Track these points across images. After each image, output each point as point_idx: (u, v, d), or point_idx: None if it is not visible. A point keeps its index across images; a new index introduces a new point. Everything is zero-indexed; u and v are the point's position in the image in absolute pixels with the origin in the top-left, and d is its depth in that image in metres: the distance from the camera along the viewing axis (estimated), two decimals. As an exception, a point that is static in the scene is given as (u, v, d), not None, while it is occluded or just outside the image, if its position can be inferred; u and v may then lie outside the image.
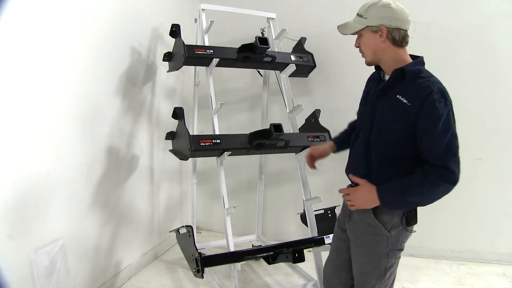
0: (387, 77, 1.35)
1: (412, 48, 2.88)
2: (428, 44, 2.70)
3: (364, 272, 1.41)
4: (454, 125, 1.21)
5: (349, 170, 1.45)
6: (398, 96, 1.26)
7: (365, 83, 1.54)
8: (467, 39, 2.65)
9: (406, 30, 1.29)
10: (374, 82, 1.44)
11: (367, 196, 1.30)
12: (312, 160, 1.75)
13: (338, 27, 1.40)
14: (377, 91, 1.36)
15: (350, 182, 1.47)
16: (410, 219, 1.34)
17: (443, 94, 1.22)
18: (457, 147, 1.21)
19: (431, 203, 1.27)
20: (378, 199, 1.27)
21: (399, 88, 1.28)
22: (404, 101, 1.24)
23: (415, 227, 1.40)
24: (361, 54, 1.38)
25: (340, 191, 1.43)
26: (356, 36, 1.37)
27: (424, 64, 1.33)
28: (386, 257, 1.35)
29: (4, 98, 1.55)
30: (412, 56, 1.34)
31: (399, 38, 1.28)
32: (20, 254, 1.67)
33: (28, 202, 1.70)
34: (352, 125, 1.69)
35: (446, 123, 1.19)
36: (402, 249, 1.38)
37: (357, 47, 1.37)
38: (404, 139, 1.26)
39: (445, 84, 1.28)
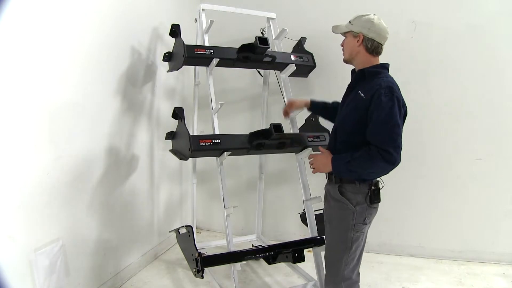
0: None
1: (412, 48, 2.89)
2: (428, 44, 2.71)
3: (333, 245, 1.66)
4: (397, 117, 1.44)
5: None
6: (359, 91, 1.54)
7: None
8: (467, 39, 2.64)
9: (380, 43, 1.57)
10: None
11: (324, 161, 1.60)
12: (289, 109, 2.20)
13: (332, 26, 1.68)
14: (347, 89, 1.67)
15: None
16: (373, 198, 1.56)
17: (390, 90, 1.46)
18: (397, 134, 1.43)
19: (373, 178, 1.55)
20: (331, 165, 1.57)
21: (360, 85, 1.57)
22: (362, 95, 1.52)
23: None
24: (342, 52, 1.66)
25: (309, 156, 1.73)
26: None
27: (387, 69, 1.59)
28: (353, 230, 1.58)
29: (4, 98, 1.55)
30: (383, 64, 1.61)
31: (371, 47, 1.56)
32: (20, 254, 1.67)
33: (28, 202, 1.70)
34: (334, 103, 1.97)
35: (389, 114, 1.43)
36: (366, 224, 1.60)
37: (342, 46, 1.67)
38: (360, 127, 1.50)
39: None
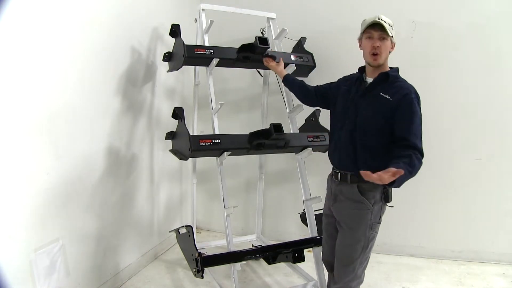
0: (368, 79, 1.66)
1: (413, 47, 2.89)
2: (428, 44, 2.71)
3: (350, 245, 1.66)
4: (421, 118, 1.56)
5: (338, 154, 1.70)
6: (381, 93, 1.57)
7: None
8: (467, 39, 2.64)
9: None
10: (353, 83, 1.70)
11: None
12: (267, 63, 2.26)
13: (378, 20, 1.56)
14: (360, 90, 1.65)
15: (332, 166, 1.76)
16: (387, 197, 1.62)
17: (417, 95, 1.57)
18: (422, 134, 1.54)
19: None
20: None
21: (381, 88, 1.59)
22: (387, 97, 1.56)
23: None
24: (376, 54, 1.59)
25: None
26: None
27: (398, 72, 1.66)
28: (370, 229, 1.63)
29: (4, 98, 1.55)
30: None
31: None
32: (20, 254, 1.67)
33: (28, 202, 1.70)
34: (314, 88, 1.99)
35: (419, 117, 1.55)
36: (380, 222, 1.66)
37: (378, 46, 1.58)
38: (384, 129, 1.56)
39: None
